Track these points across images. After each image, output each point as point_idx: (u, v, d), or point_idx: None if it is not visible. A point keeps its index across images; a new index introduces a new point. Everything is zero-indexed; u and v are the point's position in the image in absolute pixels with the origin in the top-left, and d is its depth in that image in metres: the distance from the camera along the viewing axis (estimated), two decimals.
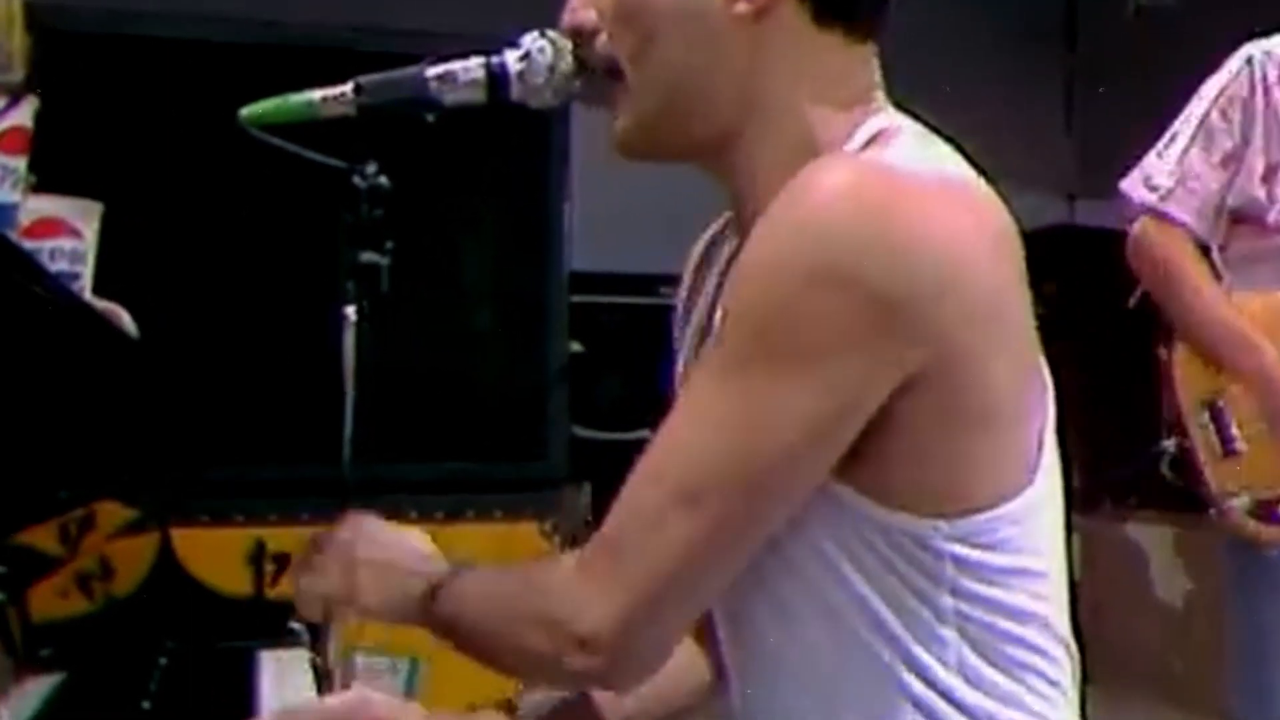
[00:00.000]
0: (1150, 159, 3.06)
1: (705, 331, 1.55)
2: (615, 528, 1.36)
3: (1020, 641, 1.40)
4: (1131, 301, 5.87)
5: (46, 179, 2.15)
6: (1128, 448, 6.50)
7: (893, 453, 1.32)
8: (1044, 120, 7.37)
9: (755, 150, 1.45)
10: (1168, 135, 3.05)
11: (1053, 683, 1.43)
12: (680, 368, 1.63)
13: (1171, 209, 3.00)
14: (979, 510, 1.36)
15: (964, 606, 1.37)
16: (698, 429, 1.34)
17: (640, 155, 1.51)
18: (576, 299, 3.97)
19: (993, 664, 1.39)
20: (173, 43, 3.14)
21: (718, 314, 1.42)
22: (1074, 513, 5.70)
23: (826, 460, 1.32)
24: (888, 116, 1.45)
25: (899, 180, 1.32)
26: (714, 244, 1.64)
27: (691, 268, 1.68)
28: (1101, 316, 6.32)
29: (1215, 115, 2.99)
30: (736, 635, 1.52)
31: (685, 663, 1.69)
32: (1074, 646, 1.47)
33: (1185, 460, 3.04)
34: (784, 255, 1.29)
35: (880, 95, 1.48)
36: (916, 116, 1.45)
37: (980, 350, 1.32)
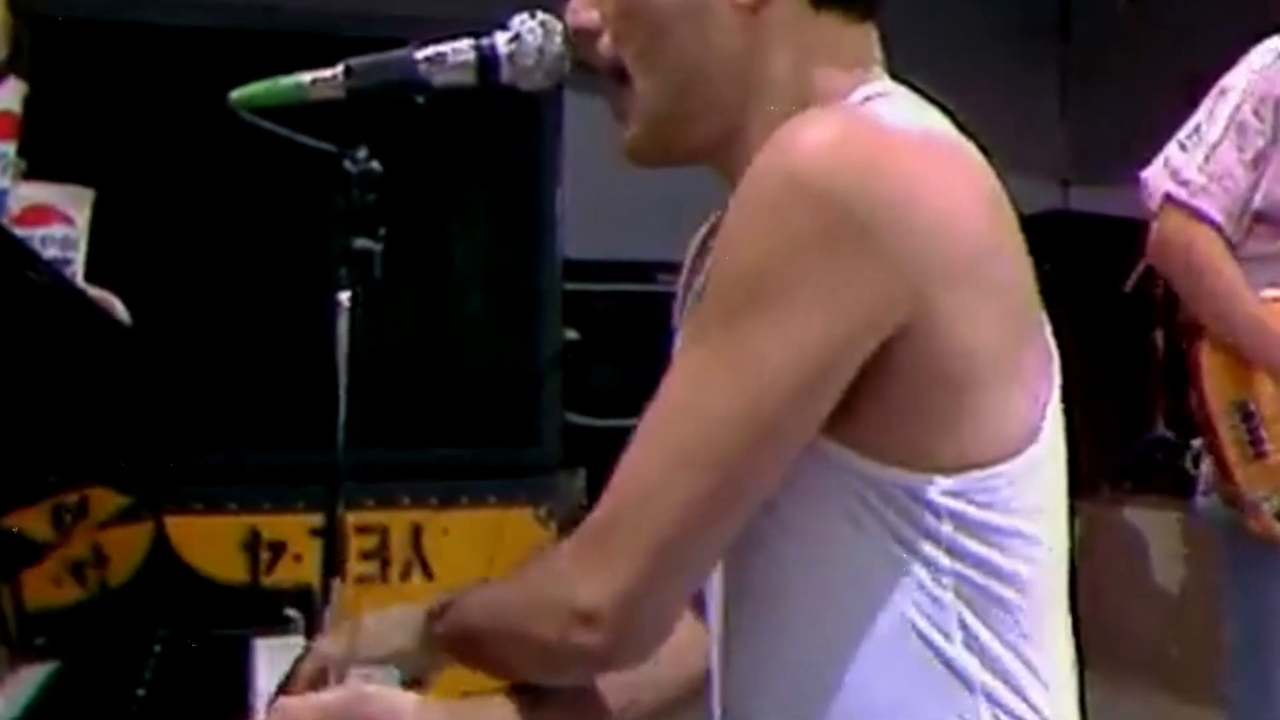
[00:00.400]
0: (1174, 150, 2.99)
1: None
2: (610, 502, 1.34)
3: (1018, 609, 1.39)
4: (1128, 286, 5.90)
5: (39, 164, 2.14)
6: (1123, 433, 6.54)
7: (883, 408, 1.32)
8: (1038, 106, 7.37)
9: (756, 138, 1.44)
10: (1190, 125, 2.99)
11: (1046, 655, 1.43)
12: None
13: (1204, 205, 2.94)
14: (977, 466, 1.35)
15: (960, 567, 1.36)
16: (689, 390, 1.33)
17: (654, 160, 1.50)
18: (572, 286, 3.97)
19: (991, 630, 1.38)
20: (164, 28, 3.14)
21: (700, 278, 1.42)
22: (1071, 497, 5.66)
23: (819, 410, 1.31)
24: (883, 84, 1.45)
25: (886, 134, 1.32)
26: (711, 234, 1.64)
27: (690, 257, 1.67)
28: (1096, 301, 6.34)
29: (1248, 112, 2.93)
30: (731, 602, 1.51)
31: (679, 648, 1.68)
32: (1066, 616, 1.47)
33: (1214, 459, 3.00)
34: (768, 206, 1.28)
35: (879, 69, 1.48)
36: (918, 91, 1.45)
37: (968, 306, 1.31)
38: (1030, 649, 1.40)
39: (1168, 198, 2.98)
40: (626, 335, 4.90)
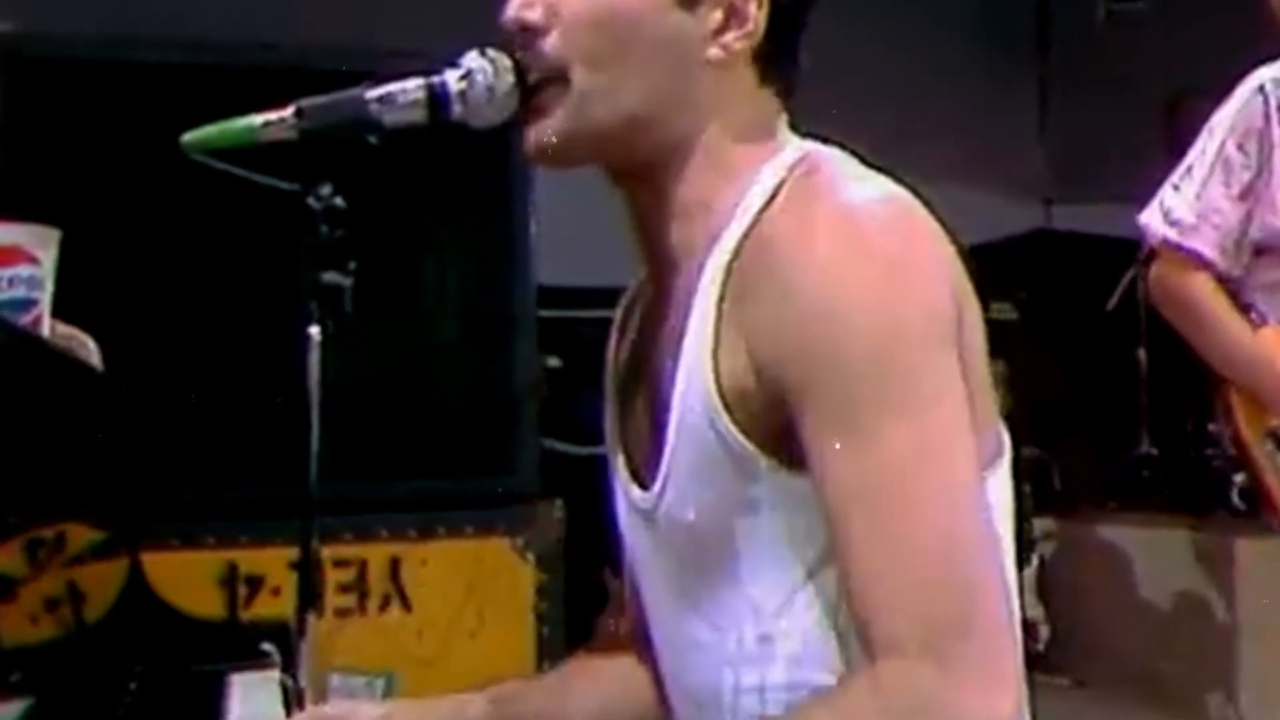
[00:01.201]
0: (1168, 192, 3.04)
1: (628, 382, 1.58)
2: (920, 612, 1.28)
3: None
4: (1111, 304, 5.91)
5: (7, 202, 2.15)
6: (1108, 451, 6.54)
7: None
8: (1018, 125, 7.38)
9: (678, 177, 1.47)
10: (1183, 167, 3.04)
11: None
12: (609, 417, 1.63)
13: (1194, 244, 2.98)
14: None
15: None
16: (912, 474, 1.31)
17: (562, 157, 1.50)
18: (554, 314, 3.97)
19: None
20: (131, 65, 3.14)
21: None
22: (1053, 516, 5.75)
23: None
24: (804, 144, 1.49)
25: (887, 212, 1.38)
26: (634, 302, 1.65)
27: (618, 321, 1.68)
28: (1080, 319, 6.35)
29: (1232, 147, 2.97)
30: (690, 642, 1.52)
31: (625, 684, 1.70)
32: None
33: (1255, 490, 3.05)
34: (848, 310, 1.32)
35: (789, 133, 1.52)
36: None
37: (964, 337, 1.39)
38: None
39: (1163, 242, 3.03)
40: None
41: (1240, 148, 2.97)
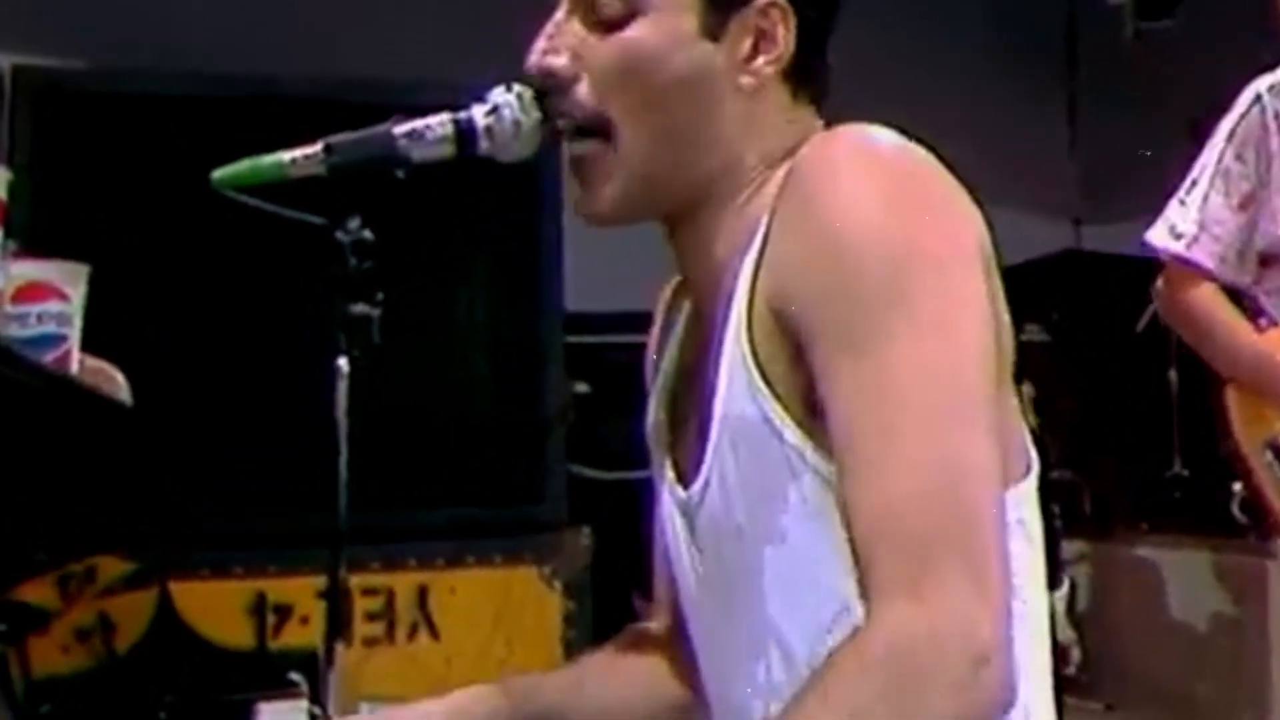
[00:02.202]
0: (1173, 206, 3.07)
1: (679, 385, 1.58)
2: (916, 527, 1.24)
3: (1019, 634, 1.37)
4: (1140, 325, 5.89)
5: (37, 238, 2.17)
6: (1140, 472, 6.51)
7: None
8: (1047, 145, 7.36)
9: (720, 206, 1.48)
10: (1188, 181, 3.07)
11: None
12: (652, 416, 1.63)
13: (1195, 255, 3.01)
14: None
15: None
16: (914, 381, 1.29)
17: (622, 219, 1.51)
18: (582, 339, 3.97)
19: None
20: (159, 98, 3.16)
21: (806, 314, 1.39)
22: (1084, 538, 5.72)
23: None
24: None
25: (909, 152, 1.38)
26: (675, 298, 1.66)
27: (660, 320, 1.69)
28: (1110, 341, 6.33)
29: (1231, 158, 3.00)
30: (728, 645, 1.52)
31: (651, 678, 1.70)
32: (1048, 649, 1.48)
33: (1254, 501, 3.05)
34: (860, 234, 1.31)
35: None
36: None
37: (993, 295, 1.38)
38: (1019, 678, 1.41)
39: (1165, 252, 3.06)
40: (638, 387, 4.88)
41: (1239, 157, 2.99)
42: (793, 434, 1.36)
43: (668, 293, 1.68)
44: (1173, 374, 6.03)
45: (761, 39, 1.46)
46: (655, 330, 1.69)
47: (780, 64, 1.46)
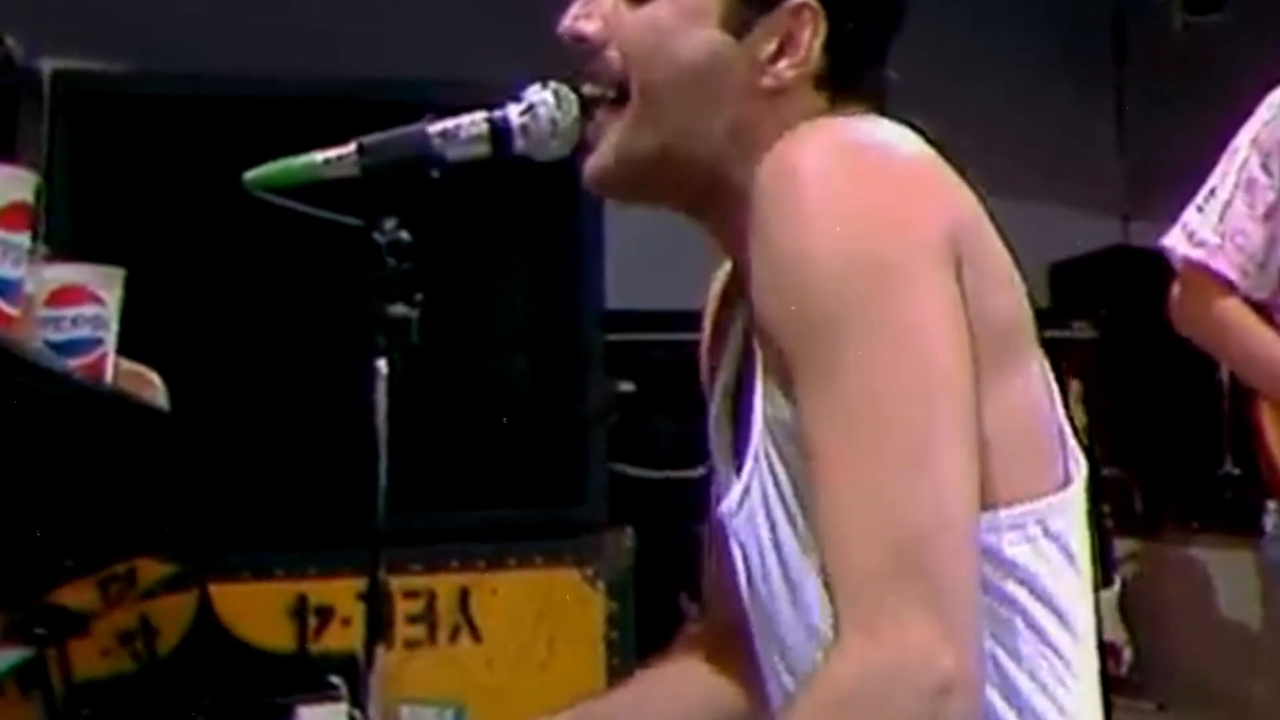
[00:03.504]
0: (1191, 213, 3.03)
1: (739, 389, 1.55)
2: (874, 552, 1.22)
3: (1052, 651, 1.39)
4: None
5: (76, 243, 2.17)
6: (1190, 471, 6.46)
7: None
8: (1096, 141, 7.30)
9: (747, 205, 1.45)
10: (1206, 188, 3.02)
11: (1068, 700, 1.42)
12: (714, 424, 1.61)
13: (1218, 265, 2.97)
14: (1017, 501, 1.35)
15: (997, 605, 1.35)
16: (871, 398, 1.25)
17: (616, 191, 1.51)
18: (626, 337, 3.96)
19: (1024, 671, 1.38)
20: (193, 99, 3.17)
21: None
22: (1135, 537, 5.67)
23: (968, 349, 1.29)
24: None
25: (871, 142, 1.36)
26: (725, 299, 1.64)
27: (712, 314, 1.67)
28: (1160, 338, 6.27)
29: (1256, 166, 2.95)
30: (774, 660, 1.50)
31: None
32: (1095, 662, 1.46)
33: None
34: (819, 245, 1.28)
35: None
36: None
37: (975, 289, 1.32)
38: (1062, 691, 1.40)
39: (1185, 261, 2.99)
40: (682, 384, 4.86)
41: (1264, 167, 2.95)
42: None
43: (717, 291, 1.66)
44: (1223, 371, 5.98)
45: (788, 42, 1.44)
46: (707, 331, 1.67)
47: (805, 69, 1.45)
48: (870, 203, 1.29)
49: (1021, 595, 1.37)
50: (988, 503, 1.30)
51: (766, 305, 1.32)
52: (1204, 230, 2.97)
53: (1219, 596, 5.80)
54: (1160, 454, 6.33)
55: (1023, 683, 1.38)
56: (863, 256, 1.26)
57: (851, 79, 1.48)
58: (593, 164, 1.50)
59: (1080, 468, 1.45)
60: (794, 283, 1.28)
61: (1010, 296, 1.39)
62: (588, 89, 1.50)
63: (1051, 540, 1.38)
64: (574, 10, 1.49)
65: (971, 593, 1.24)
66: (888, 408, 1.24)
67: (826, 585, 1.26)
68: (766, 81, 1.45)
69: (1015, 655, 1.37)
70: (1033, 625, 1.38)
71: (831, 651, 1.23)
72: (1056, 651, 1.39)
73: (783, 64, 1.45)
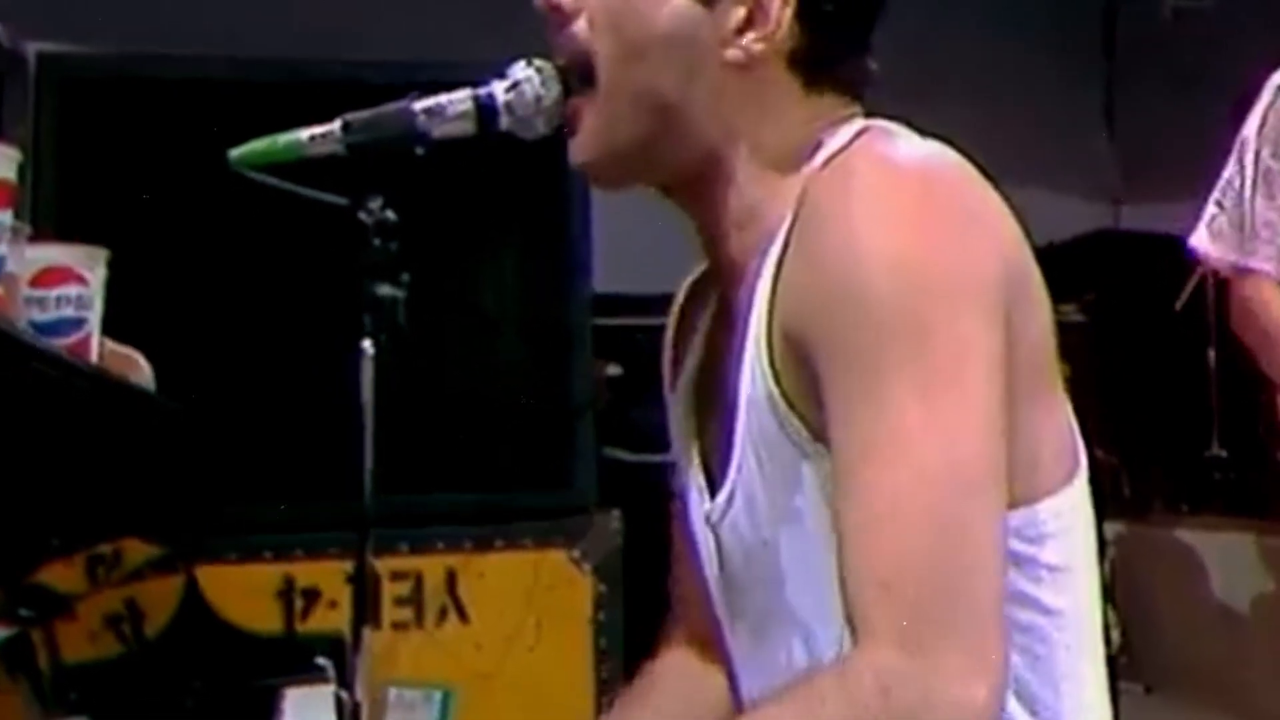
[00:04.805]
0: (1214, 210, 3.03)
1: (705, 381, 1.55)
2: (909, 584, 1.22)
3: (1057, 647, 1.40)
4: (1179, 304, 5.84)
5: (62, 224, 2.16)
6: (1178, 454, 6.46)
7: None
8: (1085, 125, 7.32)
9: (726, 189, 1.45)
10: (1222, 183, 3.02)
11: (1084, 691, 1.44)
12: (677, 419, 1.61)
13: (1254, 262, 2.99)
14: (1025, 502, 1.35)
15: (1010, 606, 1.33)
16: (906, 437, 1.25)
17: (603, 183, 1.51)
18: (614, 321, 3.95)
19: (1031, 667, 1.38)
20: (177, 82, 3.16)
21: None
22: (1123, 520, 5.67)
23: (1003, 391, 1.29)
24: (859, 125, 1.45)
25: (930, 166, 1.35)
26: (694, 294, 1.64)
27: (677, 311, 1.67)
28: (1147, 321, 6.28)
29: (1268, 157, 2.96)
30: (758, 658, 1.50)
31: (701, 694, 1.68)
32: (1101, 651, 1.47)
33: None
34: (870, 261, 1.27)
35: (856, 108, 1.49)
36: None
37: (1020, 321, 1.33)
38: (1067, 686, 1.41)
39: (1221, 262, 3.04)
40: None
41: (1276, 155, 2.94)
42: (813, 447, 1.34)
43: (687, 285, 1.66)
44: (1211, 354, 5.98)
45: (757, 11, 1.42)
46: (672, 327, 1.67)
47: (773, 44, 1.42)
48: (934, 226, 1.28)
49: (1033, 591, 1.38)
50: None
51: (817, 318, 1.30)
52: (1232, 230, 2.98)
53: (1207, 579, 5.80)
54: (1149, 437, 6.34)
55: (1034, 683, 1.39)
56: (925, 286, 1.26)
57: (827, 63, 1.45)
58: (574, 156, 1.49)
59: (1083, 459, 1.46)
60: (852, 303, 1.27)
61: (1043, 315, 1.39)
62: (558, 62, 1.48)
63: (1061, 536, 1.40)
64: None
65: (1004, 625, 1.25)
66: (940, 444, 1.25)
67: (843, 585, 1.26)
68: (733, 54, 1.42)
69: (1028, 654, 1.38)
70: (1044, 619, 1.39)
71: (856, 657, 1.23)
72: (1065, 645, 1.41)
73: (750, 36, 1.42)
